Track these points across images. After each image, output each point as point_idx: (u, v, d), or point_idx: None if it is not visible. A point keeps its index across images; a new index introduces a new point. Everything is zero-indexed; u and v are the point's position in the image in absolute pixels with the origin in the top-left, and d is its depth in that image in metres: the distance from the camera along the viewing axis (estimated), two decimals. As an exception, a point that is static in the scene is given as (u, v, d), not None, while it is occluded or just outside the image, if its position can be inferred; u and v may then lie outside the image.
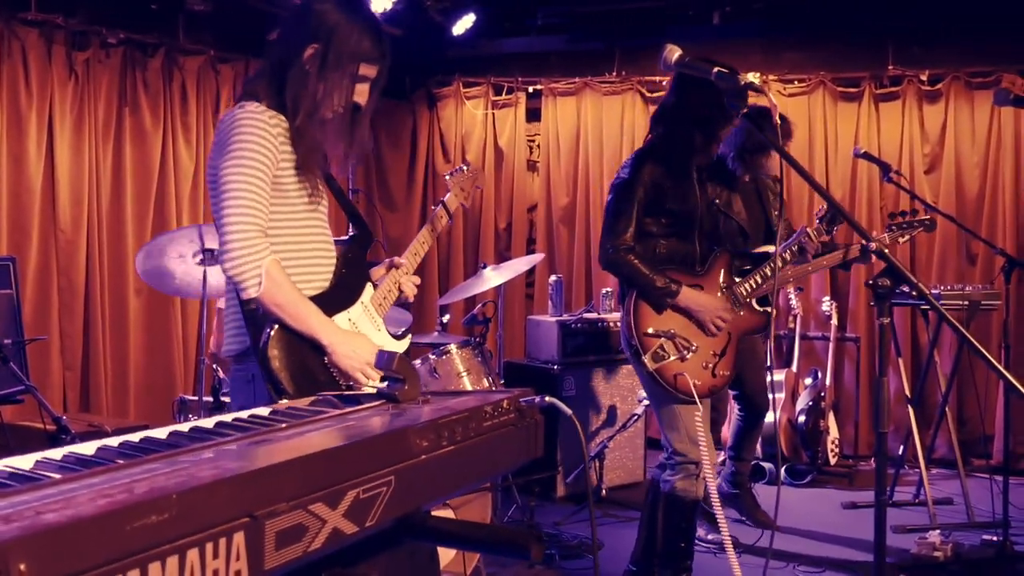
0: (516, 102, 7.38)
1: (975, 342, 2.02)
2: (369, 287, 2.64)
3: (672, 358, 3.51)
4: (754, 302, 3.77)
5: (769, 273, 3.76)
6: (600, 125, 7.24)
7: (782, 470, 5.94)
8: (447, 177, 3.18)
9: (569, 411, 1.54)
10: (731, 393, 4.93)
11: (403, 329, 2.77)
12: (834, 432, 6.13)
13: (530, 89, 7.36)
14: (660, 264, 3.59)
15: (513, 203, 7.44)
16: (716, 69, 2.41)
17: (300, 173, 2.44)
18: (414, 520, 1.29)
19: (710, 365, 3.60)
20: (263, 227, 2.35)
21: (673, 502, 3.62)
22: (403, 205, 7.54)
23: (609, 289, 6.17)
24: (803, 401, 6.02)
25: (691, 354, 3.55)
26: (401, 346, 2.70)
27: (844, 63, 6.76)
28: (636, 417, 5.53)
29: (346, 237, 2.66)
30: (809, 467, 5.97)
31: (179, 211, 5.74)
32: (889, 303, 2.23)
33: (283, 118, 2.43)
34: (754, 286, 3.76)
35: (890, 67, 6.63)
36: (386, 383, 1.58)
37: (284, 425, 1.32)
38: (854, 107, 6.74)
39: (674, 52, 2.51)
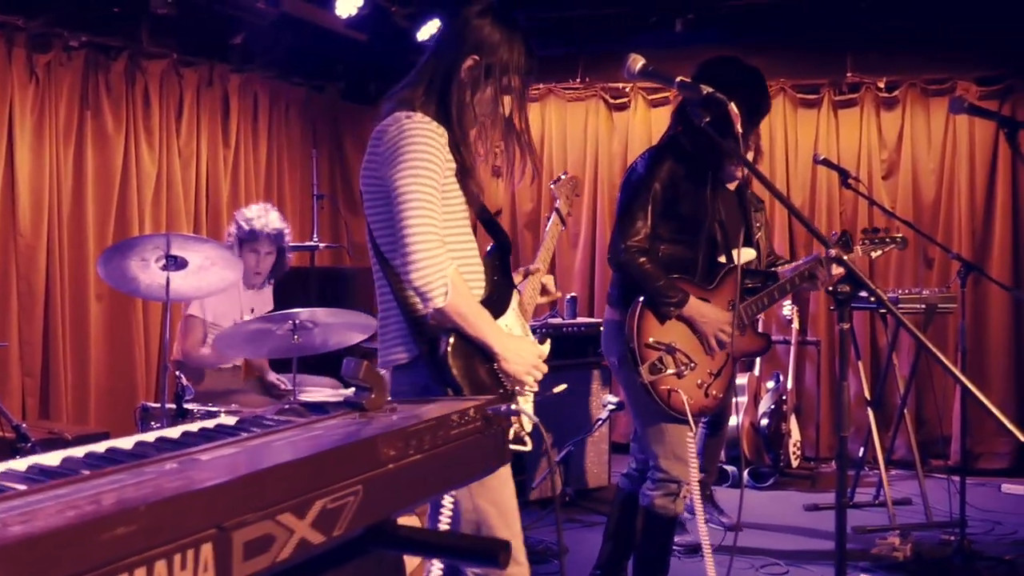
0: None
1: (933, 348, 2.05)
2: (516, 294, 2.65)
3: (669, 372, 3.39)
4: (755, 326, 3.70)
5: (777, 295, 3.67)
6: (564, 131, 7.28)
7: (745, 473, 6.00)
8: (552, 186, 3.21)
9: (535, 419, 1.55)
10: None
11: (542, 334, 2.84)
12: (796, 435, 6.20)
13: (494, 94, 7.36)
14: (663, 270, 3.45)
15: (478, 208, 7.44)
16: (679, 78, 2.44)
17: (460, 184, 2.43)
18: (382, 529, 1.29)
19: (705, 385, 3.48)
20: (442, 237, 2.33)
21: (652, 517, 3.54)
22: (368, 210, 7.51)
23: (574, 294, 6.20)
24: (765, 404, 6.09)
25: (689, 371, 3.42)
26: (544, 350, 2.67)
27: (803, 70, 6.86)
28: (601, 422, 5.55)
29: (489, 247, 2.65)
30: (772, 470, 6.04)
31: (141, 216, 5.69)
32: (849, 308, 2.26)
33: (445, 129, 2.40)
34: (759, 307, 3.68)
35: (848, 74, 6.72)
36: (354, 391, 1.59)
37: (251, 435, 1.33)
38: (813, 113, 6.84)
39: (637, 61, 2.53)
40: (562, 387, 2.69)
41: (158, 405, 3.94)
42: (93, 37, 5.43)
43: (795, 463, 6.18)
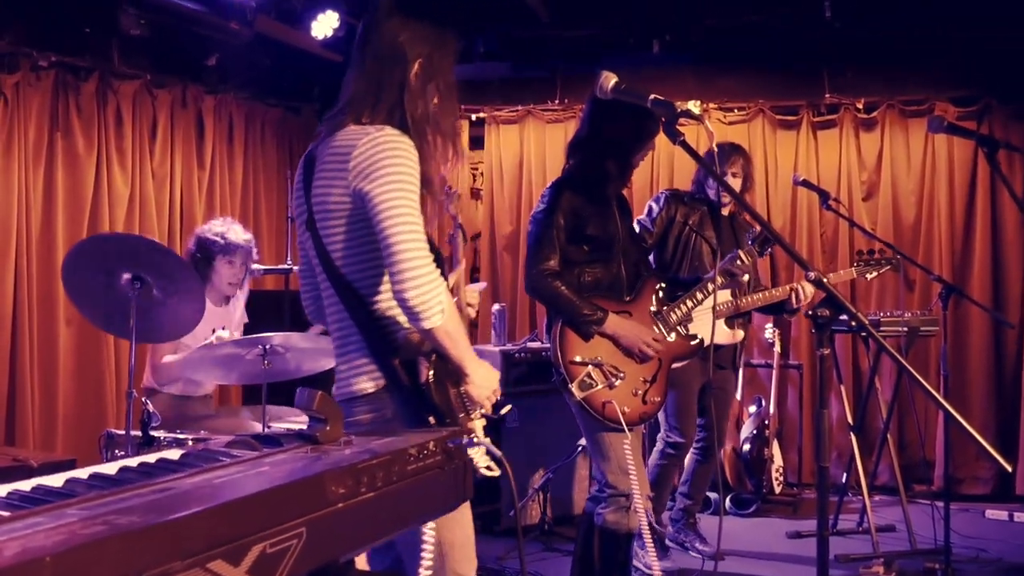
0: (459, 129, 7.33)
1: (915, 374, 1.99)
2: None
3: (599, 386, 3.43)
4: (683, 328, 3.75)
5: (700, 298, 3.76)
6: (543, 153, 7.22)
7: (727, 500, 5.92)
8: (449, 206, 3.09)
9: (499, 453, 1.47)
10: (697, 422, 4.86)
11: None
12: (778, 460, 6.13)
13: (473, 117, 7.33)
14: (587, 292, 3.54)
15: (456, 230, 7.37)
16: (652, 96, 2.38)
17: (426, 195, 2.34)
18: (328, 573, 1.21)
19: (639, 392, 3.52)
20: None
21: (606, 535, 3.53)
22: (345, 232, 7.43)
23: (553, 317, 6.13)
24: (747, 429, 6.02)
25: (619, 381, 3.47)
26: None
27: (782, 91, 6.84)
28: (581, 448, 5.46)
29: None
30: (754, 496, 5.96)
31: (112, 239, 5.59)
32: (829, 333, 2.20)
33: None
34: (684, 311, 3.75)
35: (827, 95, 6.71)
36: (308, 423, 1.51)
37: (191, 472, 1.24)
38: (792, 135, 6.81)
39: (610, 79, 2.48)
40: (508, 408, 2.60)
41: (123, 432, 3.83)
42: (63, 57, 5.34)
43: (778, 489, 6.10)
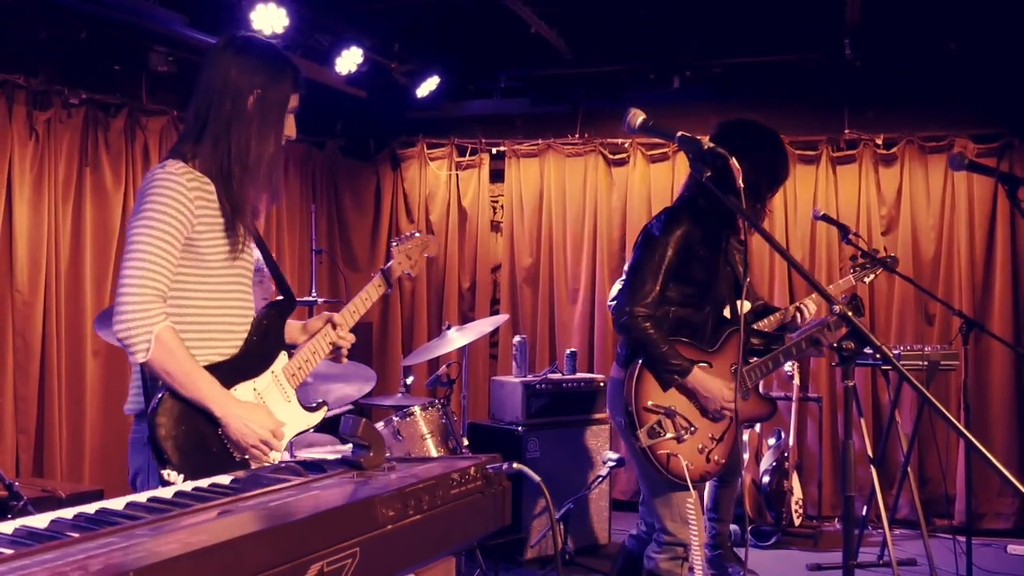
0: (480, 163, 7.42)
1: (938, 404, 2.02)
2: (283, 356, 2.54)
3: (668, 436, 3.29)
4: (758, 389, 3.60)
5: (782, 359, 3.57)
6: (563, 186, 7.29)
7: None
8: (393, 245, 3.04)
9: (537, 478, 1.52)
10: None
11: (318, 401, 2.67)
12: (798, 492, 6.12)
13: (494, 150, 7.42)
14: (671, 332, 3.38)
15: (477, 263, 7.45)
16: (680, 133, 2.43)
17: (227, 234, 2.39)
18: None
19: (706, 450, 3.39)
20: (162, 292, 2.29)
21: None
22: (366, 265, 7.51)
23: (574, 350, 6.16)
24: (767, 462, 6.02)
25: (689, 435, 3.33)
26: (313, 419, 2.60)
27: (802, 127, 6.89)
28: (601, 479, 5.48)
29: (266, 304, 2.59)
30: (774, 528, 5.95)
31: (139, 271, 5.66)
32: (853, 365, 2.24)
33: (206, 179, 2.38)
34: (763, 372, 3.57)
35: (846, 131, 6.76)
36: (351, 448, 1.56)
37: (244, 495, 1.29)
38: (812, 169, 6.86)
39: (638, 116, 2.53)
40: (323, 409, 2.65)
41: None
42: (93, 94, 5.46)
43: (797, 521, 6.08)
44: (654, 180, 7.11)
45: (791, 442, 6.07)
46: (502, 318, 6.09)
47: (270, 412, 2.40)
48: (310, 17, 5.69)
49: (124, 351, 2.32)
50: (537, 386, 5.62)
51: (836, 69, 6.29)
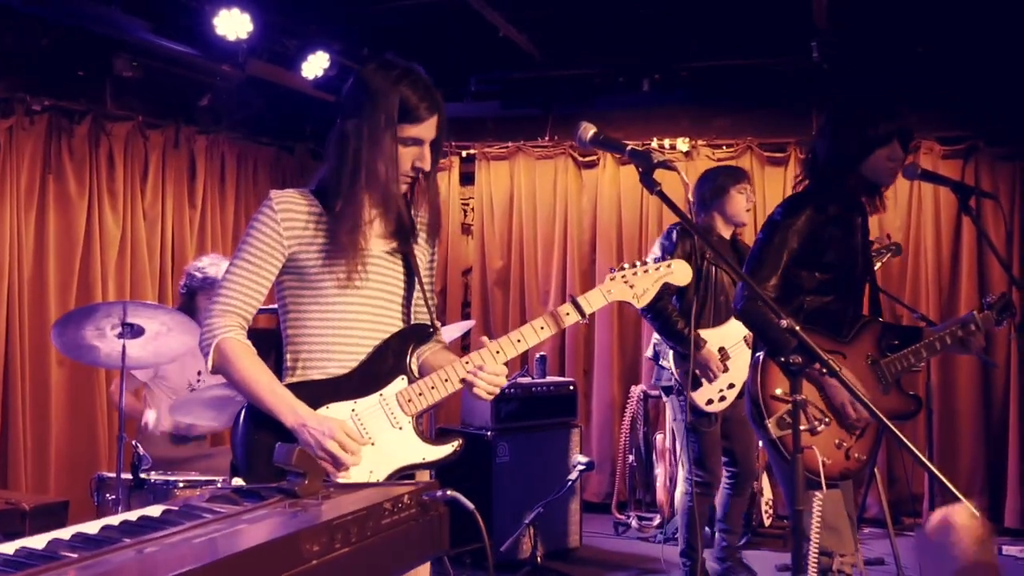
0: (450, 166, 7.42)
1: (880, 415, 2.04)
2: (400, 381, 2.42)
3: (801, 428, 2.85)
4: (900, 384, 3.31)
5: (925, 353, 3.31)
6: (533, 188, 7.30)
7: (718, 532, 5.93)
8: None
9: (471, 506, 1.51)
10: (722, 459, 4.83)
11: (455, 439, 2.48)
12: (768, 493, 6.15)
13: (464, 153, 7.42)
14: (807, 323, 3.09)
15: (448, 266, 7.44)
16: (629, 147, 2.43)
17: (333, 255, 2.39)
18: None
19: (844, 445, 3.12)
20: (235, 309, 2.38)
21: None
22: (337, 269, 7.48)
23: (543, 354, 6.16)
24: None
25: (823, 427, 3.08)
26: (431, 452, 2.42)
27: (770, 129, 6.93)
28: (571, 483, 5.48)
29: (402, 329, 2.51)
30: (744, 529, 5.97)
31: (104, 279, 5.63)
32: (801, 379, 2.24)
33: (305, 201, 2.41)
34: (905, 365, 3.28)
35: (815, 133, 6.77)
36: (289, 477, 1.55)
37: (171, 531, 1.28)
38: (781, 171, 6.89)
39: (589, 130, 2.53)
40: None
41: (114, 475, 3.86)
42: (56, 101, 5.41)
43: (767, 522, 6.12)
44: (624, 182, 7.12)
45: (759, 443, 6.09)
46: (469, 324, 6.08)
47: (344, 426, 2.31)
48: (276, 22, 5.67)
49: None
50: (506, 391, 5.61)
51: (804, 72, 6.32)
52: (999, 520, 6.27)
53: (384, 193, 2.40)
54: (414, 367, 2.49)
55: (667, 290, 2.70)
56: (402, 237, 2.51)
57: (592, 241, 7.23)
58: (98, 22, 5.10)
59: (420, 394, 2.41)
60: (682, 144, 6.96)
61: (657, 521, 6.43)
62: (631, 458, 6.86)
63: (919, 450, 6.22)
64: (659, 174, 2.34)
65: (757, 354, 3.18)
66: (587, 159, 7.24)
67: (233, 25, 5.23)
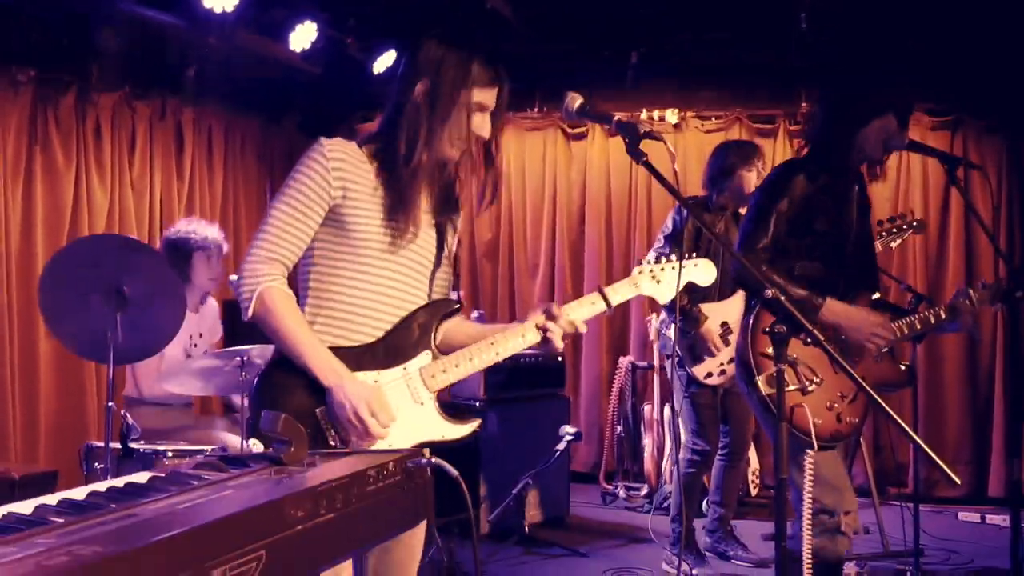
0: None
1: (864, 384, 2.06)
2: (424, 356, 2.38)
3: (791, 387, 2.95)
4: (893, 353, 3.28)
5: (919, 326, 3.28)
6: (523, 160, 7.29)
7: (704, 502, 5.98)
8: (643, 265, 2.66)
9: (455, 472, 1.53)
10: (721, 429, 4.88)
11: (473, 416, 2.47)
12: (755, 463, 6.20)
13: (452, 125, 7.38)
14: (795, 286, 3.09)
15: (437, 239, 7.43)
16: (616, 118, 2.43)
17: (382, 215, 2.34)
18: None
19: (835, 406, 3.10)
20: (278, 257, 2.29)
21: (813, 567, 2.92)
22: (326, 241, 7.48)
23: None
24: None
25: (813, 387, 3.05)
26: (451, 431, 2.39)
27: (759, 101, 6.94)
28: (559, 453, 5.52)
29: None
30: (730, 499, 6.02)
31: (92, 251, 5.61)
32: (786, 349, 2.26)
33: (359, 153, 2.36)
34: (902, 333, 3.25)
35: (803, 104, 6.79)
36: (274, 445, 1.56)
37: (157, 497, 1.29)
38: (770, 143, 6.89)
39: (575, 100, 2.53)
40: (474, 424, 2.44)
41: (103, 444, 3.87)
42: (42, 72, 5.37)
43: (754, 491, 6.17)
44: (613, 154, 7.12)
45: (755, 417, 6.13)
46: (455, 296, 6.08)
47: (381, 396, 2.27)
48: (263, -8, 5.62)
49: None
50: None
51: (792, 44, 6.30)
52: (983, 489, 6.34)
53: (440, 159, 2.39)
54: (439, 342, 2.45)
55: (690, 287, 2.68)
56: (444, 208, 2.49)
57: (581, 213, 7.23)
58: (82, -7, 5.06)
59: (444, 371, 2.38)
60: (671, 116, 6.96)
61: (645, 491, 6.49)
62: (619, 429, 6.91)
63: (905, 421, 6.27)
64: (646, 145, 2.34)
65: (748, 317, 3.17)
66: (576, 131, 7.23)
67: (219, -4, 5.19)
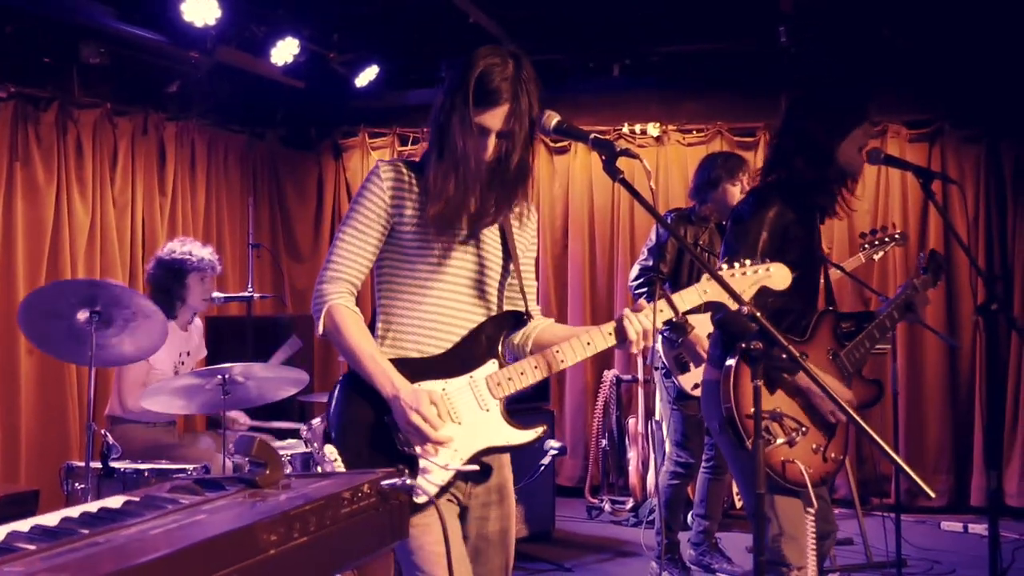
0: (422, 152, 7.38)
1: (838, 400, 2.07)
2: (491, 364, 2.41)
3: (779, 442, 2.93)
4: (860, 373, 3.27)
5: (878, 336, 3.27)
6: (505, 175, 7.29)
7: (689, 515, 5.99)
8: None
9: (431, 494, 1.53)
10: (706, 441, 4.85)
11: (540, 424, 2.49)
12: (739, 476, 6.20)
13: (435, 138, 7.39)
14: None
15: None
16: (592, 135, 2.45)
17: (431, 230, 2.41)
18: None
19: (820, 448, 3.06)
20: (345, 276, 2.42)
21: None
22: (309, 256, 7.48)
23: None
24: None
25: (801, 436, 2.99)
26: (516, 436, 2.43)
27: (740, 113, 6.97)
28: (544, 467, 5.52)
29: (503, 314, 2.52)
30: (714, 511, 6.02)
31: (74, 267, 5.60)
32: (762, 366, 2.27)
33: (408, 173, 2.45)
34: (863, 351, 3.24)
35: (779, 125, 6.81)
36: (250, 468, 1.56)
37: (129, 522, 1.29)
38: (751, 155, 6.90)
39: (552, 118, 2.55)
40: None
41: (84, 464, 3.85)
42: (22, 88, 5.36)
43: (739, 504, 6.18)
44: (595, 168, 7.13)
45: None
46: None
47: (433, 397, 2.31)
48: (244, 8, 5.64)
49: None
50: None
51: (772, 56, 6.35)
52: (965, 499, 6.37)
53: (468, 172, 2.39)
54: (520, 349, 2.55)
55: (765, 292, 2.59)
56: (499, 214, 2.51)
57: (564, 227, 7.25)
58: (64, 9, 5.06)
59: (509, 379, 2.42)
60: (653, 129, 6.98)
61: (630, 505, 6.48)
62: (604, 442, 6.91)
63: (886, 431, 6.31)
64: (625, 162, 2.36)
65: (728, 363, 3.03)
66: (559, 145, 7.25)
67: (201, 11, 5.20)
